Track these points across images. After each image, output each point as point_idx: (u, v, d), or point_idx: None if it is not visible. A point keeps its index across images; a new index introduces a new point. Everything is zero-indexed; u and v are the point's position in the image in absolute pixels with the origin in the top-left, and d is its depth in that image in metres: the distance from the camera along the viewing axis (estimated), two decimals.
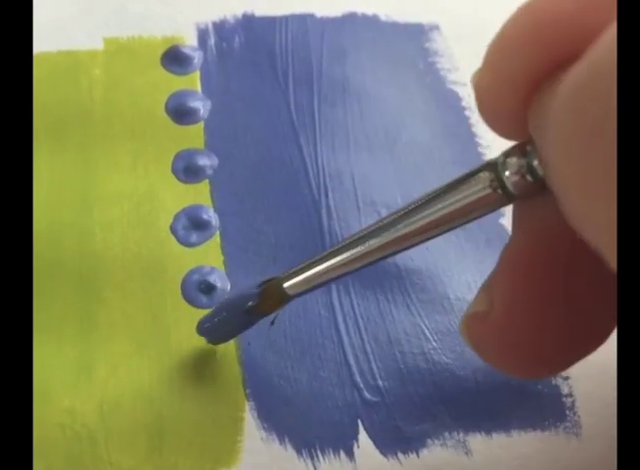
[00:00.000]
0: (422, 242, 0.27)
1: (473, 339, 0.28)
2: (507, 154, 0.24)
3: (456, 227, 0.26)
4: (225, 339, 0.34)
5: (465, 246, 0.38)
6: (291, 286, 0.30)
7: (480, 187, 0.25)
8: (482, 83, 0.24)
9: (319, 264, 0.29)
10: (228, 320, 0.32)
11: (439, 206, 0.26)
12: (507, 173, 0.24)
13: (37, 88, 0.41)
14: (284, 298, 0.30)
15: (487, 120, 0.25)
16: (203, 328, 0.34)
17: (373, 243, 0.27)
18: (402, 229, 0.26)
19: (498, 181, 0.24)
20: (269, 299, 0.30)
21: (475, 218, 0.26)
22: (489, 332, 0.27)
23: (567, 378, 0.35)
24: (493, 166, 0.24)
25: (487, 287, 0.27)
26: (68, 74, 0.42)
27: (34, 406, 0.32)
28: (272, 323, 0.35)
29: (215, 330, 0.34)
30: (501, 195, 0.25)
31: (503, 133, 0.25)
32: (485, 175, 0.24)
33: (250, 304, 0.31)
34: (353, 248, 0.27)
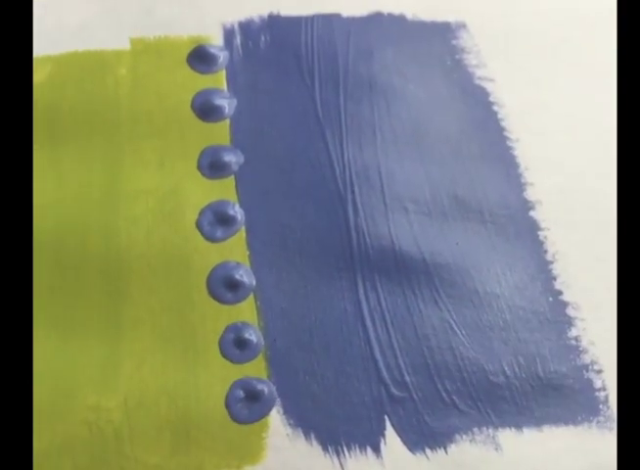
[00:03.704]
0: None
1: None
2: None
3: None
4: None
5: (494, 239, 0.38)
6: None
7: None
8: None
9: None
10: None
11: None
12: None
13: (64, 88, 0.41)
14: None
15: None
16: None
17: None
18: None
19: None
20: None
21: None
22: None
23: (600, 371, 0.34)
24: None
25: None
26: (95, 74, 0.42)
27: (60, 404, 0.33)
28: None
29: None
30: None
31: None
32: None
33: None
34: None
